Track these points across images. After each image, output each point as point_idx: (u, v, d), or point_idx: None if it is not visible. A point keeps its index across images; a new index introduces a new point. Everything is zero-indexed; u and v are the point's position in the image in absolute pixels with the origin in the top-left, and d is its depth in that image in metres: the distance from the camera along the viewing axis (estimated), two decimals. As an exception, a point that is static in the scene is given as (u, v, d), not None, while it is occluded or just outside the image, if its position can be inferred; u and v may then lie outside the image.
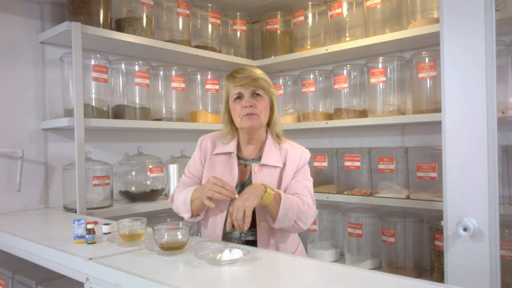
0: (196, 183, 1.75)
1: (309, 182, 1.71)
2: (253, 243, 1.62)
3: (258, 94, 1.64)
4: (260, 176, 1.65)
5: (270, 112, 1.71)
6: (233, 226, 1.58)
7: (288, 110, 3.09)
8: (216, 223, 1.65)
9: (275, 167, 1.67)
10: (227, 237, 1.67)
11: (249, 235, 1.65)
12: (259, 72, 1.68)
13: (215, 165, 1.71)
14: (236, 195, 1.51)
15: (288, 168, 1.68)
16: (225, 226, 1.62)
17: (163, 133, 2.94)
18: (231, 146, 1.71)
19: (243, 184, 1.68)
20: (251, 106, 1.61)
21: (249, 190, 1.49)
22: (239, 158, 1.72)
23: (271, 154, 1.68)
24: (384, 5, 2.59)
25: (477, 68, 1.57)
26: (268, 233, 1.63)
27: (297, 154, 1.71)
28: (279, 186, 1.66)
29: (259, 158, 1.70)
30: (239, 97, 1.64)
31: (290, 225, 1.56)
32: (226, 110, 1.71)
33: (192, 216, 1.65)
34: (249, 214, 1.43)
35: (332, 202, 2.76)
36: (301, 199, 1.59)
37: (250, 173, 1.68)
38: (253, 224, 1.61)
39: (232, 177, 1.65)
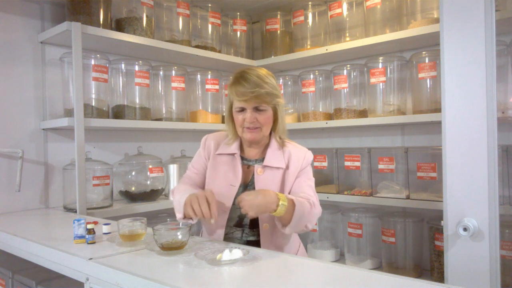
0: (200, 178, 1.74)
1: (312, 182, 1.71)
2: (255, 243, 1.62)
3: (261, 109, 1.60)
4: (263, 177, 1.64)
5: (275, 120, 1.67)
6: (234, 226, 1.59)
7: (288, 110, 3.09)
8: (218, 223, 1.65)
9: (278, 168, 1.66)
10: (228, 237, 1.66)
11: (250, 235, 1.64)
12: (263, 75, 1.60)
13: (219, 165, 1.70)
14: (212, 221, 1.45)
15: (291, 169, 1.67)
16: (227, 226, 1.63)
17: (163, 133, 2.94)
18: (234, 147, 1.70)
19: (246, 184, 1.68)
20: (253, 121, 1.59)
21: (261, 199, 1.43)
22: (242, 158, 1.72)
23: (274, 155, 1.67)
24: (384, 5, 2.59)
25: (477, 68, 1.57)
26: (270, 233, 1.63)
27: (300, 155, 1.70)
28: (282, 188, 1.66)
29: (262, 159, 1.69)
30: (242, 110, 1.61)
31: (300, 230, 1.56)
32: (230, 113, 1.69)
33: (185, 217, 1.60)
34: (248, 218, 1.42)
35: (332, 202, 2.76)
36: (309, 201, 1.57)
37: (253, 174, 1.67)
38: (255, 225, 1.61)
39: (235, 178, 1.64)
